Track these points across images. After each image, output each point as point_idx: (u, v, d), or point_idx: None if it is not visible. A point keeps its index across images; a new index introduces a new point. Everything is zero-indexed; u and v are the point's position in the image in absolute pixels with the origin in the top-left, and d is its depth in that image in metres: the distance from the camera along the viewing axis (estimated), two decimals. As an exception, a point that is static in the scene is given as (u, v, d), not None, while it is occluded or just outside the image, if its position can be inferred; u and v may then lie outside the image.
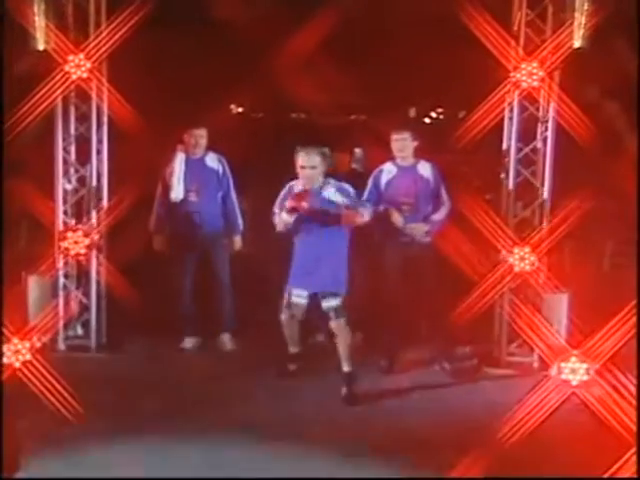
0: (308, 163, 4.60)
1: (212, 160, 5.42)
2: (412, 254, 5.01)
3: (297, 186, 4.71)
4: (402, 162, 5.13)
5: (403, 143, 5.07)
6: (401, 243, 5.03)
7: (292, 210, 4.55)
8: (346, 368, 4.73)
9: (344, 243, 4.70)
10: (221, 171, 5.42)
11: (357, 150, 6.28)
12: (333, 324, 4.69)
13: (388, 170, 5.15)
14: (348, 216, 4.55)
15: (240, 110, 9.11)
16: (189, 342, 5.49)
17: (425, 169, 5.12)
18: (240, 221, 5.48)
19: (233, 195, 5.46)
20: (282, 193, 4.77)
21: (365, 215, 4.63)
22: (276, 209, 4.73)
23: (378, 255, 5.13)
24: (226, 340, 5.47)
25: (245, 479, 3.56)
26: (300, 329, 4.91)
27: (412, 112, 10.16)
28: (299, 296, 4.73)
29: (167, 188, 5.33)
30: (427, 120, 9.78)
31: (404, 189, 5.07)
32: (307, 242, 4.69)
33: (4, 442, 3.29)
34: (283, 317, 4.82)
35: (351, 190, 4.70)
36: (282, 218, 4.64)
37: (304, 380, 4.92)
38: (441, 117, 10.45)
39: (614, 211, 5.60)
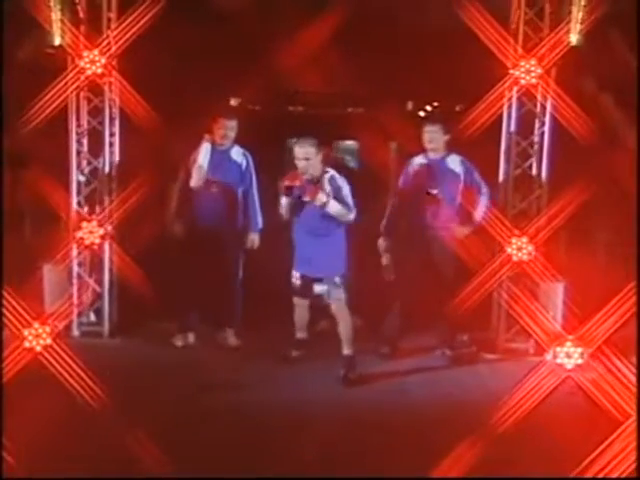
0: (302, 155, 4.73)
1: (237, 154, 5.31)
2: (428, 247, 5.08)
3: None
4: (432, 154, 5.18)
5: (432, 135, 5.11)
6: (420, 237, 5.07)
7: (288, 189, 4.69)
8: (346, 351, 4.88)
9: (342, 227, 4.83)
10: (244, 165, 5.30)
11: (351, 142, 6.36)
12: (333, 307, 4.85)
13: (418, 162, 5.21)
14: (312, 190, 4.67)
15: (237, 102, 9.15)
16: (180, 339, 5.40)
17: (454, 162, 5.15)
18: (259, 219, 5.36)
19: (255, 191, 5.35)
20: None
21: (330, 203, 4.72)
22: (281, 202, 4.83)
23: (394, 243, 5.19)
24: (230, 335, 5.41)
25: (245, 479, 3.58)
26: (308, 315, 5.04)
27: (410, 105, 10.25)
28: (295, 277, 4.92)
29: (189, 175, 5.23)
30: (425, 112, 9.84)
31: (430, 181, 5.11)
32: (305, 227, 4.83)
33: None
34: (294, 301, 5.00)
35: (344, 186, 4.78)
36: (282, 202, 4.78)
37: (307, 365, 5.01)
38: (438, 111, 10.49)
39: (609, 202, 5.74)
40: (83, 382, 4.02)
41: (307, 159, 4.73)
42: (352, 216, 4.78)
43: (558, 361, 4.25)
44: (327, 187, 4.72)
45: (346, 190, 4.78)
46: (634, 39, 5.36)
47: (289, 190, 4.70)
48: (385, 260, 5.17)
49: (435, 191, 5.08)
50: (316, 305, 5.02)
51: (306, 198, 4.70)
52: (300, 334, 5.12)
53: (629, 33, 5.49)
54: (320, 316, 5.37)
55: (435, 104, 9.63)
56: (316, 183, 4.74)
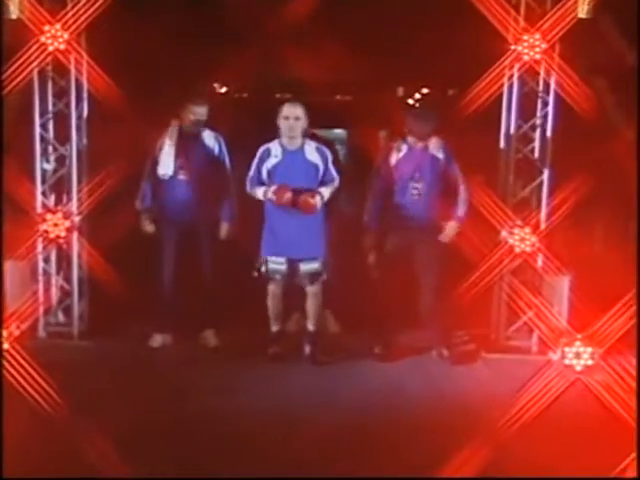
0: (292, 114, 4.82)
1: (209, 138, 5.12)
2: (414, 238, 4.93)
3: (274, 147, 4.87)
4: (413, 140, 5.06)
5: None
6: (404, 228, 4.96)
7: (278, 203, 4.77)
8: (311, 327, 4.95)
9: (322, 209, 4.86)
10: (217, 150, 5.12)
11: (342, 131, 6.22)
12: (310, 289, 4.88)
13: (399, 148, 5.10)
14: (305, 202, 4.75)
15: (224, 90, 8.95)
16: (157, 340, 5.25)
17: (436, 147, 5.01)
18: (234, 206, 5.17)
19: (230, 177, 5.15)
20: (257, 156, 4.90)
21: (324, 196, 4.80)
22: (252, 173, 4.89)
23: (379, 238, 5.05)
24: (210, 336, 5.28)
25: (243, 479, 3.51)
26: (283, 304, 4.97)
27: (400, 91, 10.05)
28: (278, 263, 4.87)
29: (156, 163, 5.06)
30: (415, 98, 9.64)
31: (414, 168, 4.99)
32: (285, 209, 4.79)
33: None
34: (270, 288, 4.93)
35: (328, 154, 4.87)
36: (258, 194, 4.88)
37: (293, 366, 4.87)
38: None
39: (618, 189, 5.51)
40: (44, 390, 3.80)
41: (297, 119, 4.83)
42: (337, 182, 4.89)
43: (566, 362, 3.98)
44: (315, 155, 4.85)
45: (330, 158, 4.91)
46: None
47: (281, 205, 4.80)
48: (371, 258, 5.06)
49: (418, 178, 4.99)
50: (289, 294, 4.96)
51: (300, 209, 4.77)
52: (275, 326, 5.02)
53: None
54: (292, 308, 5.20)
55: (426, 90, 9.44)
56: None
